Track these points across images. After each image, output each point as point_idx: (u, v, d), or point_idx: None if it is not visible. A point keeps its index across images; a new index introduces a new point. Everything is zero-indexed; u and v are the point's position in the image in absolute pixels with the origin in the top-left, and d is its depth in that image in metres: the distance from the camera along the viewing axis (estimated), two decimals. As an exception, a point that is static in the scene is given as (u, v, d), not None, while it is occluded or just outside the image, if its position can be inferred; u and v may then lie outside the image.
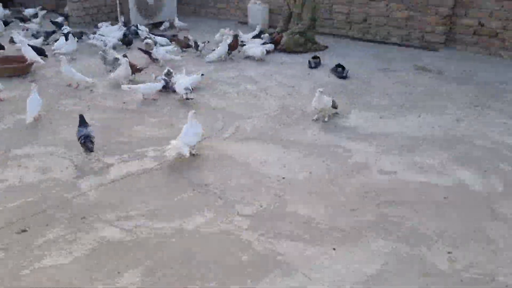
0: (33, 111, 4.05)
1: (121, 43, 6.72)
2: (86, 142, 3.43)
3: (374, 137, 3.75)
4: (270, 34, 6.84)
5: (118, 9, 7.87)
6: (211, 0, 8.94)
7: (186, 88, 4.43)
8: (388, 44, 6.87)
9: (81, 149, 3.40)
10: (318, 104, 3.97)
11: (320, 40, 6.96)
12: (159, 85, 4.55)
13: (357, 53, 6.37)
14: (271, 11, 8.10)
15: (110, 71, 5.30)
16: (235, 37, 6.17)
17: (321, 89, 3.92)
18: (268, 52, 6.28)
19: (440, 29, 6.46)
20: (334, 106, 4.13)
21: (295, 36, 6.38)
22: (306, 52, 6.41)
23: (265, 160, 3.36)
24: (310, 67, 5.64)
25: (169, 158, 3.32)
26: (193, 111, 3.56)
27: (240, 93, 4.76)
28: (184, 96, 4.45)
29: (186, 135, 3.39)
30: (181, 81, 4.53)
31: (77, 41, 6.65)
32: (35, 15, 9.00)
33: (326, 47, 6.66)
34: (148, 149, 3.55)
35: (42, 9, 9.66)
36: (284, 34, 6.50)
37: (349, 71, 5.32)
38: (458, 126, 3.99)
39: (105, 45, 5.66)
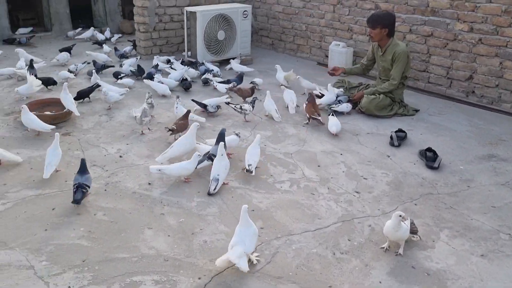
0: (53, 164, 3.68)
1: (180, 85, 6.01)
2: (77, 192, 3.27)
3: (470, 299, 2.56)
4: (349, 89, 5.74)
5: (186, 43, 7.18)
6: (290, 34, 8.00)
7: (215, 180, 3.51)
8: (498, 112, 5.46)
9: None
10: (393, 234, 2.84)
11: (411, 98, 5.74)
12: (192, 165, 3.66)
13: (455, 123, 5.07)
14: (356, 55, 6.99)
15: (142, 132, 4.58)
16: (312, 98, 5.04)
17: (401, 214, 2.79)
18: (342, 113, 5.21)
19: None
20: (413, 230, 2.98)
21: (378, 97, 5.21)
22: (390, 117, 5.23)
23: (299, 332, 2.31)
24: (392, 144, 4.46)
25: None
26: (246, 206, 2.73)
27: (295, 183, 3.74)
28: (212, 188, 3.51)
29: (240, 243, 2.66)
30: (217, 169, 3.59)
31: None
32: (107, 40, 8.67)
33: (417, 111, 5.42)
34: (148, 278, 2.65)
35: (118, 32, 9.36)
36: (365, 93, 5.36)
37: (442, 160, 4.08)
38: None
39: (150, 97, 4.89)
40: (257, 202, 3.44)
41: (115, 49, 7.52)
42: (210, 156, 3.79)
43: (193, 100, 5.13)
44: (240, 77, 5.97)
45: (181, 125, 4.40)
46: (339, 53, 6.82)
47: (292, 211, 3.34)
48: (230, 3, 7.73)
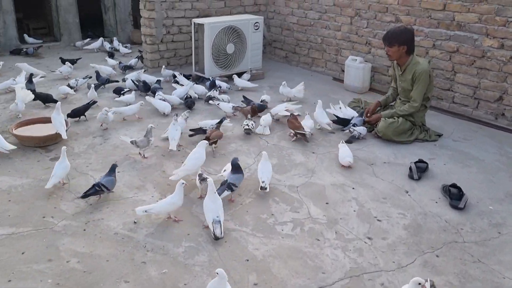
0: (58, 176, 3.64)
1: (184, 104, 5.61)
2: (90, 188, 3.45)
3: None
4: (361, 109, 5.26)
5: (193, 56, 6.81)
6: (305, 47, 7.56)
7: (216, 222, 3.09)
8: (532, 138, 4.93)
9: None
10: (408, 303, 2.38)
11: (433, 119, 5.25)
12: (178, 197, 3.25)
13: (483, 150, 4.56)
14: (374, 70, 6.51)
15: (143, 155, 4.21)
16: (293, 116, 4.82)
17: (420, 281, 2.33)
18: (357, 138, 4.75)
19: None
20: (434, 295, 2.51)
21: (397, 121, 4.73)
22: (410, 142, 4.74)
23: None
24: (412, 177, 3.98)
25: None
26: (223, 272, 2.33)
27: (298, 225, 3.29)
28: (218, 232, 3.09)
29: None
30: (214, 210, 3.16)
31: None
32: (116, 51, 8.39)
33: (440, 135, 4.92)
34: None
35: (129, 42, 9.08)
36: (382, 115, 4.89)
37: (468, 199, 3.58)
38: None
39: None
40: (253, 249, 3.01)
41: (119, 61, 7.22)
42: (229, 186, 3.41)
43: (191, 133, 4.67)
44: (260, 106, 5.29)
45: (218, 134, 4.40)
46: (355, 69, 6.35)
47: (293, 262, 2.89)
48: (241, 15, 7.36)
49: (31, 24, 9.89)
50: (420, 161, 4.16)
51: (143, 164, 4.17)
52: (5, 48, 8.47)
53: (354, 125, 4.84)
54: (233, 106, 5.24)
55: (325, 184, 3.87)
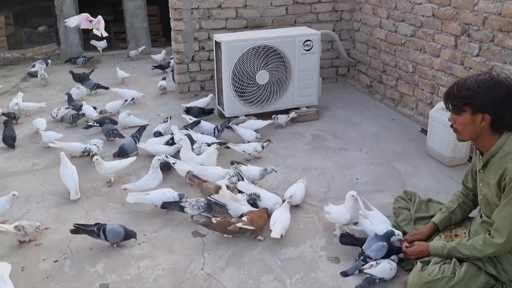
0: None
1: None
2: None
3: None
4: (415, 220, 2.84)
5: (216, 86, 4.96)
6: (393, 75, 5.10)
7: None
8: None
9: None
10: None
11: None
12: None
13: None
14: (483, 128, 3.82)
15: None
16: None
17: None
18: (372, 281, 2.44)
19: None
20: None
21: (452, 273, 2.26)
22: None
23: None
24: None
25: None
26: None
27: None
28: None
29: None
30: None
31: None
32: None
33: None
34: None
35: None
36: (429, 247, 2.45)
37: None
38: None
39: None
40: None
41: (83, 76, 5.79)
42: None
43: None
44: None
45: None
46: (443, 126, 3.76)
47: None
48: (285, 29, 5.26)
49: (114, 28, 9.12)
50: None
51: None
52: (66, 56, 7.71)
53: (366, 258, 2.50)
54: (188, 172, 3.25)
55: None
